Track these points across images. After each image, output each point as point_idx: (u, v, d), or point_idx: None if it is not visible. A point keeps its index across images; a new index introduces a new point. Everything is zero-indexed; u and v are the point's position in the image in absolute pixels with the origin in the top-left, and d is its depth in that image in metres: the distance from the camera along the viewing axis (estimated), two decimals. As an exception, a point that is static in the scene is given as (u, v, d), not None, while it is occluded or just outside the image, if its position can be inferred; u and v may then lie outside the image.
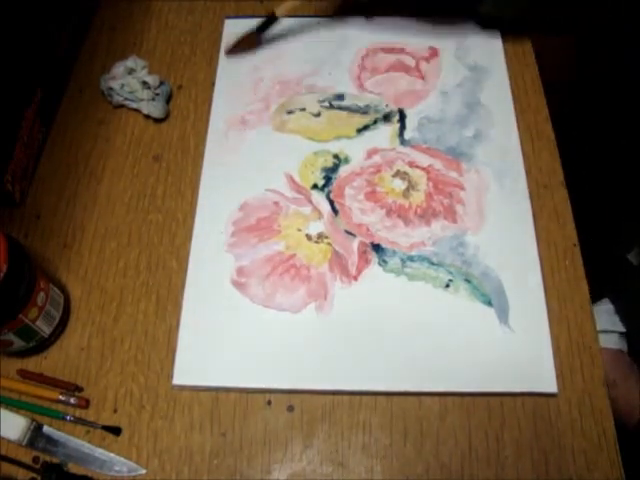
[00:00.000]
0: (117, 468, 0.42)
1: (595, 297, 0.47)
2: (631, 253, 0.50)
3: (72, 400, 0.44)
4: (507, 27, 0.59)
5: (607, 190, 0.58)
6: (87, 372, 0.46)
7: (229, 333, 0.46)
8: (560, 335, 0.46)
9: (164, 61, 0.60)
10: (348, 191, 0.52)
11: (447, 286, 0.47)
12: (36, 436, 0.43)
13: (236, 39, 0.58)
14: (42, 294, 0.43)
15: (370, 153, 0.53)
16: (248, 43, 0.58)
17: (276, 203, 0.51)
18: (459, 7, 0.54)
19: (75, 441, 0.43)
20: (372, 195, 0.51)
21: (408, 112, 0.55)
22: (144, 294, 0.49)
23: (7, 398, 0.45)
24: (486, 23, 0.57)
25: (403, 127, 0.55)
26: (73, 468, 0.43)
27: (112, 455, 0.43)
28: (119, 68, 0.56)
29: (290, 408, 0.44)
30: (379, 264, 0.48)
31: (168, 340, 0.47)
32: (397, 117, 0.55)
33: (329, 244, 0.49)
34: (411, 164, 0.53)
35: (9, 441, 0.43)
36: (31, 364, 0.46)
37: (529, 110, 0.56)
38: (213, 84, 0.58)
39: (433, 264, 0.48)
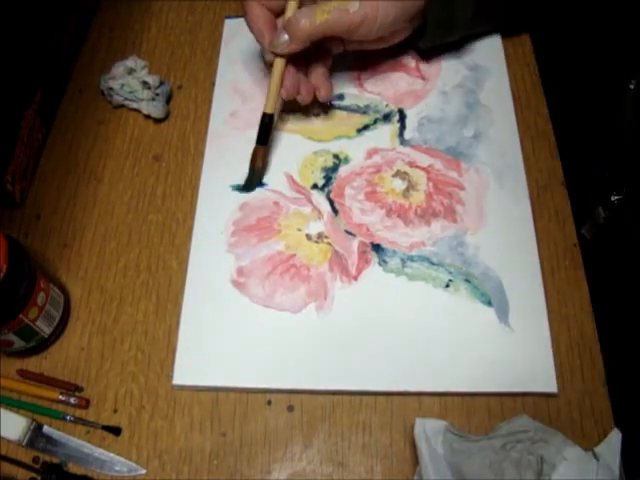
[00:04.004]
0: (117, 468, 0.42)
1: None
2: (584, 227, 0.51)
3: (72, 400, 0.44)
4: (506, 27, 0.59)
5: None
6: (87, 372, 0.46)
7: (229, 333, 0.46)
8: (560, 335, 0.46)
9: (164, 61, 0.60)
10: (348, 191, 0.52)
11: (447, 286, 0.47)
12: (36, 436, 0.43)
13: (247, 180, 0.52)
14: (42, 294, 0.43)
15: (370, 153, 0.53)
16: (262, 160, 0.52)
17: (276, 203, 0.51)
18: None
19: (75, 441, 0.43)
20: (372, 195, 0.51)
21: (408, 112, 0.55)
22: (144, 294, 0.49)
23: (7, 398, 0.45)
24: (427, 52, 0.57)
25: (403, 127, 0.55)
26: (73, 468, 0.43)
27: (112, 455, 0.43)
28: (119, 68, 0.56)
29: (290, 408, 0.44)
30: (379, 264, 0.48)
31: (168, 340, 0.47)
32: (397, 117, 0.55)
33: (329, 244, 0.49)
34: (411, 164, 0.53)
35: (9, 441, 0.43)
36: (31, 364, 0.46)
37: (529, 110, 0.56)
38: (213, 84, 0.58)
39: (433, 264, 0.48)
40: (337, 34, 0.48)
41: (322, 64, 0.51)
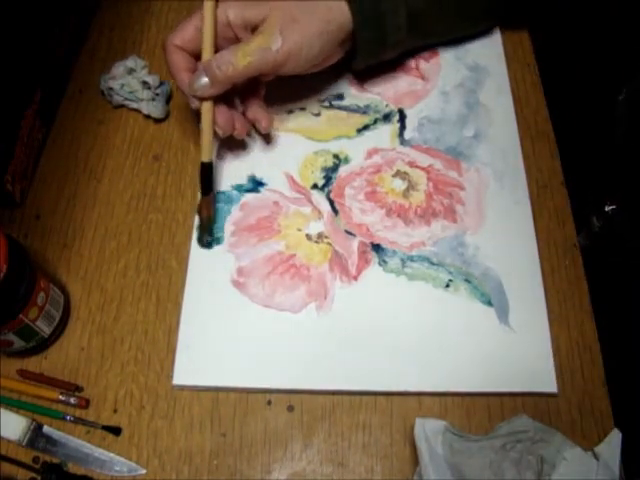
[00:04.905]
0: (117, 468, 0.42)
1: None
2: (580, 235, 0.51)
3: (72, 400, 0.44)
4: (507, 27, 0.59)
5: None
6: (87, 372, 0.46)
7: (229, 333, 0.46)
8: (560, 335, 0.46)
9: (164, 61, 0.60)
10: (348, 191, 0.52)
11: (447, 286, 0.47)
12: (36, 436, 0.43)
13: (200, 235, 0.49)
14: (42, 294, 0.43)
15: (370, 153, 0.53)
16: (208, 210, 0.49)
17: (276, 203, 0.51)
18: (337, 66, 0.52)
19: (75, 441, 0.43)
20: (372, 195, 0.51)
21: (408, 112, 0.55)
22: (144, 294, 0.49)
23: (7, 398, 0.45)
24: (362, 73, 0.56)
25: (403, 127, 0.55)
26: (73, 468, 0.43)
27: (112, 455, 0.43)
28: (119, 68, 0.56)
29: (290, 408, 0.44)
30: (379, 264, 0.48)
31: (168, 340, 0.47)
32: (397, 117, 0.55)
33: (329, 244, 0.49)
34: (411, 164, 0.53)
35: (9, 441, 0.43)
36: (31, 364, 0.46)
37: (529, 110, 0.56)
38: (213, 84, 0.58)
39: (433, 264, 0.48)
40: (262, 73, 0.47)
41: (255, 96, 0.50)
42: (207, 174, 0.48)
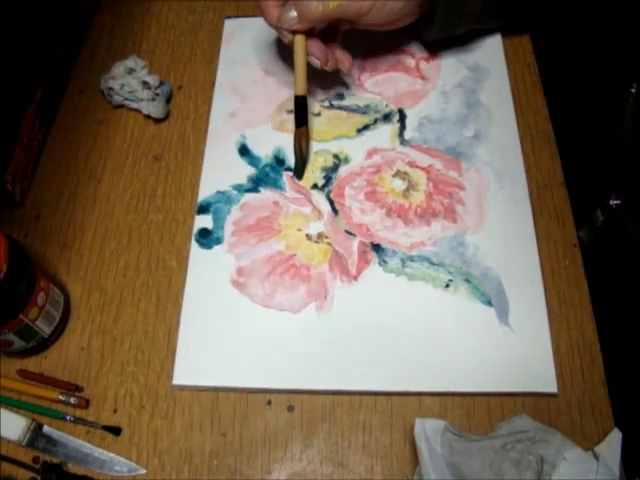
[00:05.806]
0: (117, 468, 0.42)
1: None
2: (582, 230, 0.51)
3: (72, 400, 0.44)
4: (507, 27, 0.59)
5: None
6: (87, 372, 0.46)
7: (229, 333, 0.46)
8: (560, 335, 0.46)
9: (164, 61, 0.60)
10: (348, 191, 0.52)
11: (447, 286, 0.47)
12: (36, 436, 0.43)
13: (296, 166, 0.52)
14: (42, 294, 0.43)
15: (370, 153, 0.53)
16: (302, 141, 0.52)
17: (276, 203, 0.51)
18: (406, 33, 0.55)
19: (75, 441, 0.43)
20: (372, 195, 0.51)
21: (408, 112, 0.55)
22: (144, 294, 0.49)
23: (7, 398, 0.45)
24: (431, 45, 0.58)
25: (403, 127, 0.55)
26: (73, 468, 0.43)
27: (112, 455, 0.43)
28: (119, 68, 0.56)
29: (290, 408, 0.44)
30: (379, 264, 0.48)
31: (168, 340, 0.47)
32: (397, 117, 0.55)
33: (329, 244, 0.49)
34: (411, 164, 0.53)
35: (9, 441, 0.43)
36: (31, 364, 0.46)
37: (529, 110, 0.56)
38: (213, 84, 0.58)
39: (433, 264, 0.48)
40: (345, 18, 0.49)
41: (334, 41, 0.52)
42: (302, 106, 0.51)
